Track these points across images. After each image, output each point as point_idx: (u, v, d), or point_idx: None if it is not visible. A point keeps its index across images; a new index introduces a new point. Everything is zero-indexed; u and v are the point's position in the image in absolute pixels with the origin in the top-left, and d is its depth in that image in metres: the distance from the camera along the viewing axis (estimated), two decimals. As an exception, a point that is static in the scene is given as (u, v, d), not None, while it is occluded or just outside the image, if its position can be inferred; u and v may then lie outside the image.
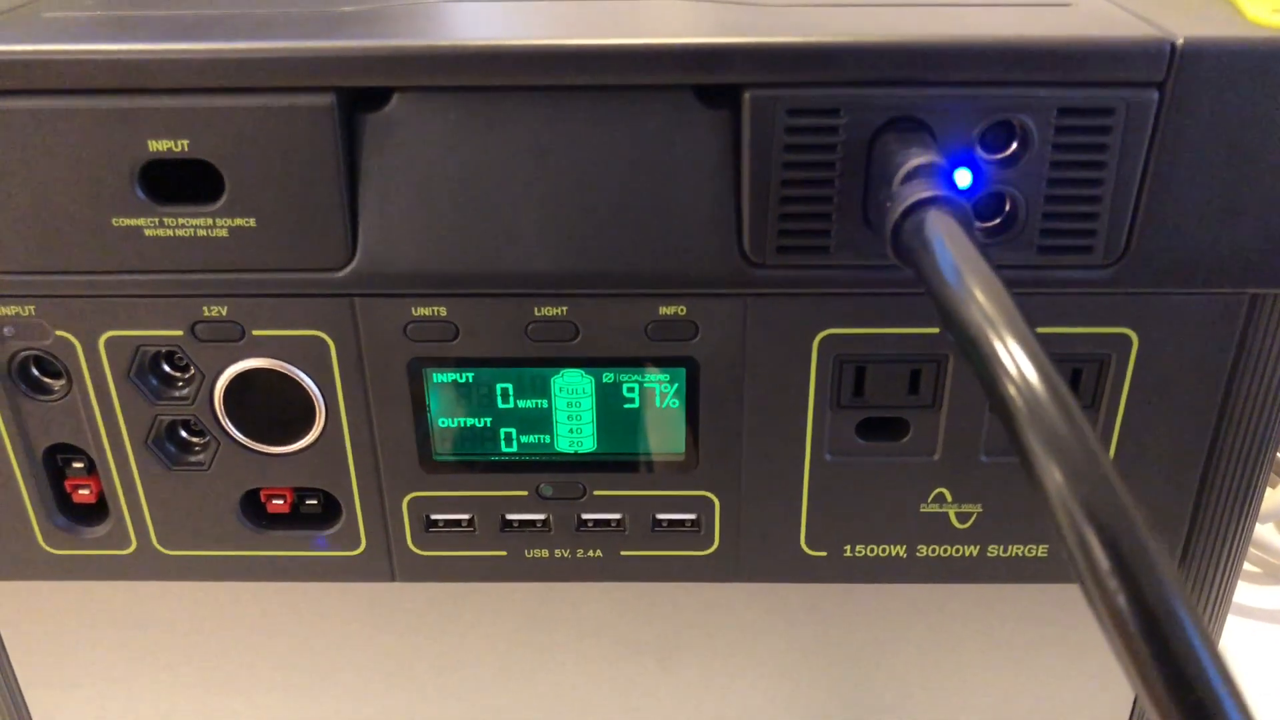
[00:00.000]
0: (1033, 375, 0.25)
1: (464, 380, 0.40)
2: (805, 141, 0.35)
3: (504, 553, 0.44)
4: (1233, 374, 0.39)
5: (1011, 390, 0.25)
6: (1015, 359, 0.25)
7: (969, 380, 0.40)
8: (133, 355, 0.40)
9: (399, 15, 0.39)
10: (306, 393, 0.40)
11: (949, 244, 0.29)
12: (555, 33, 0.35)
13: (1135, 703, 0.49)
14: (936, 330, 0.39)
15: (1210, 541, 0.43)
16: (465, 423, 0.41)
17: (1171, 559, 0.22)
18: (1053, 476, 0.24)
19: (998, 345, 0.26)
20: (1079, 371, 0.39)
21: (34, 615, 0.48)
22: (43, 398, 0.41)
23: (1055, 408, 0.24)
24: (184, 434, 0.42)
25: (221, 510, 0.43)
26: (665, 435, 0.41)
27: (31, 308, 0.39)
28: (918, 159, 0.32)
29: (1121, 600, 0.22)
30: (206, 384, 0.40)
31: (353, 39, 0.35)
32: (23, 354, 0.40)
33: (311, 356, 0.40)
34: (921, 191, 0.31)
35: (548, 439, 0.42)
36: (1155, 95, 0.34)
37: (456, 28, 0.38)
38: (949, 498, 0.42)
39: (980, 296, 0.27)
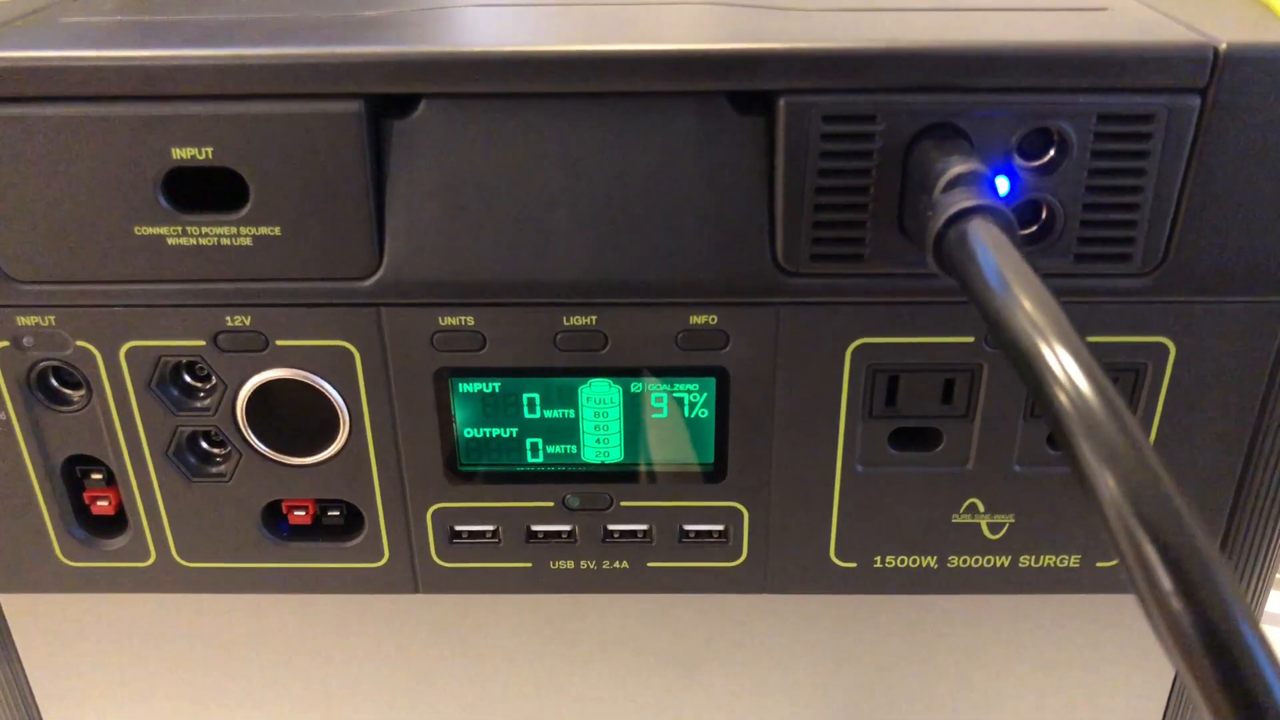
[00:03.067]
0: (1084, 384, 0.24)
1: (490, 390, 0.40)
2: (841, 148, 0.35)
3: (529, 564, 0.43)
4: (1270, 383, 0.39)
5: (1063, 399, 0.25)
6: (1066, 368, 0.25)
7: (1002, 389, 0.39)
8: (154, 365, 0.39)
9: (425, 21, 0.39)
10: (330, 403, 0.40)
11: (995, 253, 0.28)
12: (585, 38, 0.35)
13: (1165, 714, 0.48)
14: (970, 340, 0.38)
15: (1245, 554, 0.42)
16: (491, 433, 0.41)
17: (1235, 575, 0.21)
18: (1108, 488, 0.23)
19: (1048, 354, 0.25)
20: (1114, 381, 0.39)
21: (51, 629, 0.47)
22: (62, 408, 0.40)
23: (1109, 416, 0.24)
24: (205, 445, 0.42)
25: (242, 522, 0.43)
26: (694, 446, 0.41)
27: (52, 318, 0.38)
28: (959, 167, 0.32)
29: (1186, 621, 0.22)
30: (228, 395, 0.40)
31: (380, 45, 0.34)
32: (42, 364, 0.40)
33: (336, 367, 0.39)
34: (965, 200, 0.30)
35: (574, 449, 0.41)
36: (1197, 101, 0.34)
37: (484, 33, 0.37)
38: (981, 508, 0.42)
39: (1029, 305, 0.26)
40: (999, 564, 0.43)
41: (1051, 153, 0.35)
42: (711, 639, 0.47)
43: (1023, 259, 0.28)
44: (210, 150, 0.35)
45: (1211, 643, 0.21)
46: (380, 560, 0.43)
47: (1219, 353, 0.38)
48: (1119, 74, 0.34)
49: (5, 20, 0.38)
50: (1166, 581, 0.22)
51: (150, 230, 0.37)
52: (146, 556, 0.43)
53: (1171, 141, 0.34)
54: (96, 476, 0.42)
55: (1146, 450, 0.23)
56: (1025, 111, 0.34)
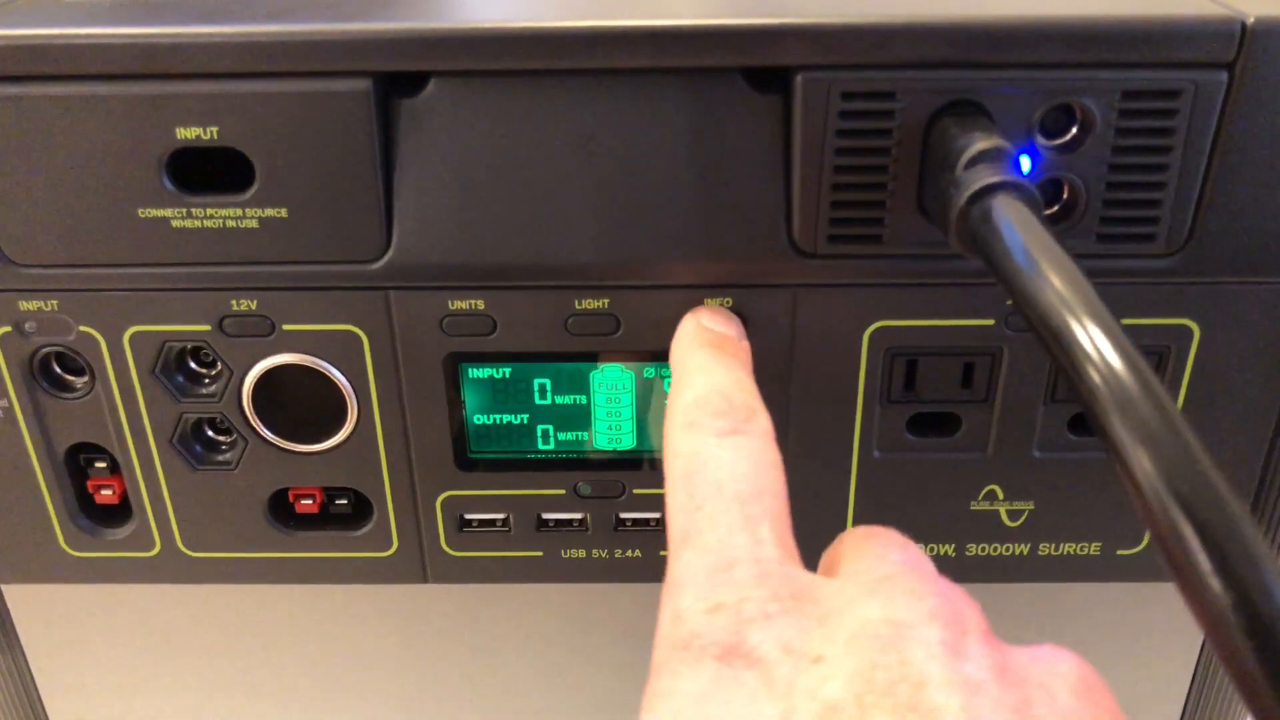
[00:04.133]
0: (1117, 360, 0.24)
1: (501, 375, 0.39)
2: (859, 126, 0.34)
3: (540, 553, 0.43)
4: (1296, 366, 0.38)
5: (1095, 376, 0.24)
6: (1098, 344, 0.24)
7: (1023, 374, 0.38)
8: (158, 351, 0.39)
9: (434, -3, 0.38)
10: (338, 389, 0.39)
11: (1021, 230, 0.28)
12: (597, 13, 0.34)
13: (1186, 703, 0.47)
14: (990, 322, 0.38)
15: (1270, 538, 0.42)
16: (501, 419, 0.40)
17: (1274, 553, 0.21)
18: (1144, 467, 0.22)
19: (1079, 331, 0.25)
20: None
21: (54, 619, 0.47)
22: (65, 395, 0.40)
23: (1143, 393, 0.23)
24: (210, 432, 0.41)
25: (248, 511, 0.42)
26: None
27: (54, 302, 0.38)
28: (982, 143, 0.31)
29: (1226, 602, 0.21)
30: (234, 381, 0.39)
31: (389, 21, 0.34)
32: (45, 350, 0.39)
33: (344, 352, 0.38)
34: (989, 177, 0.29)
35: (586, 436, 0.41)
36: (1224, 77, 0.33)
37: (494, 9, 0.36)
38: (1000, 495, 0.41)
39: (1058, 282, 0.26)
40: (1018, 552, 0.42)
41: (1074, 130, 0.34)
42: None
43: (1050, 235, 0.27)
44: (215, 130, 0.35)
45: (1253, 626, 0.20)
46: (389, 549, 0.43)
47: (1244, 335, 0.37)
48: (1143, 49, 0.33)
49: (6, -2, 0.38)
50: (1205, 562, 0.21)
51: (154, 212, 0.36)
52: (151, 546, 0.43)
53: (1198, 118, 0.34)
54: (100, 465, 0.42)
55: (1183, 427, 0.23)
56: (1047, 88, 0.33)
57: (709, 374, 0.32)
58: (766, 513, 0.27)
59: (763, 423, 0.30)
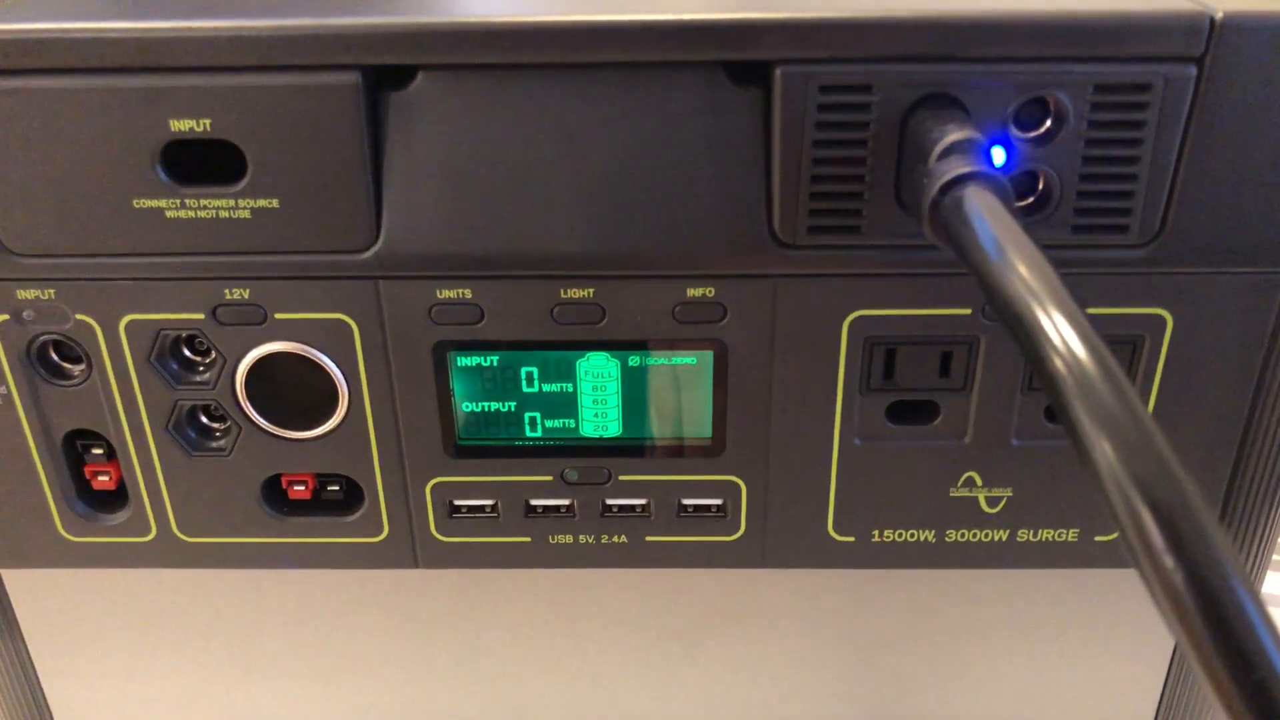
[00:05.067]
0: (1079, 348, 0.24)
1: (489, 364, 0.40)
2: (837, 119, 0.35)
3: (528, 539, 0.43)
4: (1269, 355, 0.39)
5: (1059, 364, 0.24)
6: (1061, 332, 0.25)
7: (1000, 362, 0.39)
8: (153, 339, 0.39)
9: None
10: (329, 377, 0.40)
11: (990, 219, 0.28)
12: (581, 8, 0.35)
13: (1164, 688, 0.48)
14: (968, 312, 0.38)
15: (1242, 527, 0.42)
16: (490, 407, 0.41)
17: (1227, 534, 0.21)
18: (1103, 450, 0.23)
19: (1043, 319, 0.25)
20: (1112, 353, 0.39)
21: (52, 603, 0.47)
22: (62, 383, 0.40)
23: (1104, 380, 0.24)
24: (205, 419, 0.42)
25: (243, 497, 0.43)
26: (692, 419, 0.41)
27: (51, 291, 0.38)
28: (955, 134, 0.32)
29: (1179, 579, 0.22)
30: (228, 368, 0.40)
31: (377, 16, 0.34)
32: (42, 338, 0.40)
33: (334, 340, 0.39)
34: (960, 167, 0.30)
35: (573, 423, 0.41)
36: (1193, 70, 0.34)
37: (481, 4, 0.37)
38: (979, 482, 0.42)
39: (1024, 271, 0.26)
40: (997, 538, 0.43)
41: (1048, 123, 0.35)
42: (710, 613, 0.47)
43: (1018, 225, 0.28)
44: (208, 122, 0.35)
45: (1205, 602, 0.21)
46: (380, 535, 0.43)
47: (1216, 324, 0.38)
48: (1115, 44, 0.34)
49: (3, -7, 0.38)
50: (1159, 540, 0.22)
51: (149, 203, 0.37)
52: (147, 531, 0.44)
53: (1168, 111, 0.34)
54: (97, 451, 0.42)
55: (1142, 414, 0.23)
56: (1021, 82, 0.34)
57: None
58: None
59: None
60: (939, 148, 0.32)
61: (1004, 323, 0.26)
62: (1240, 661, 0.20)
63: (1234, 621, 0.21)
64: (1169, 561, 0.22)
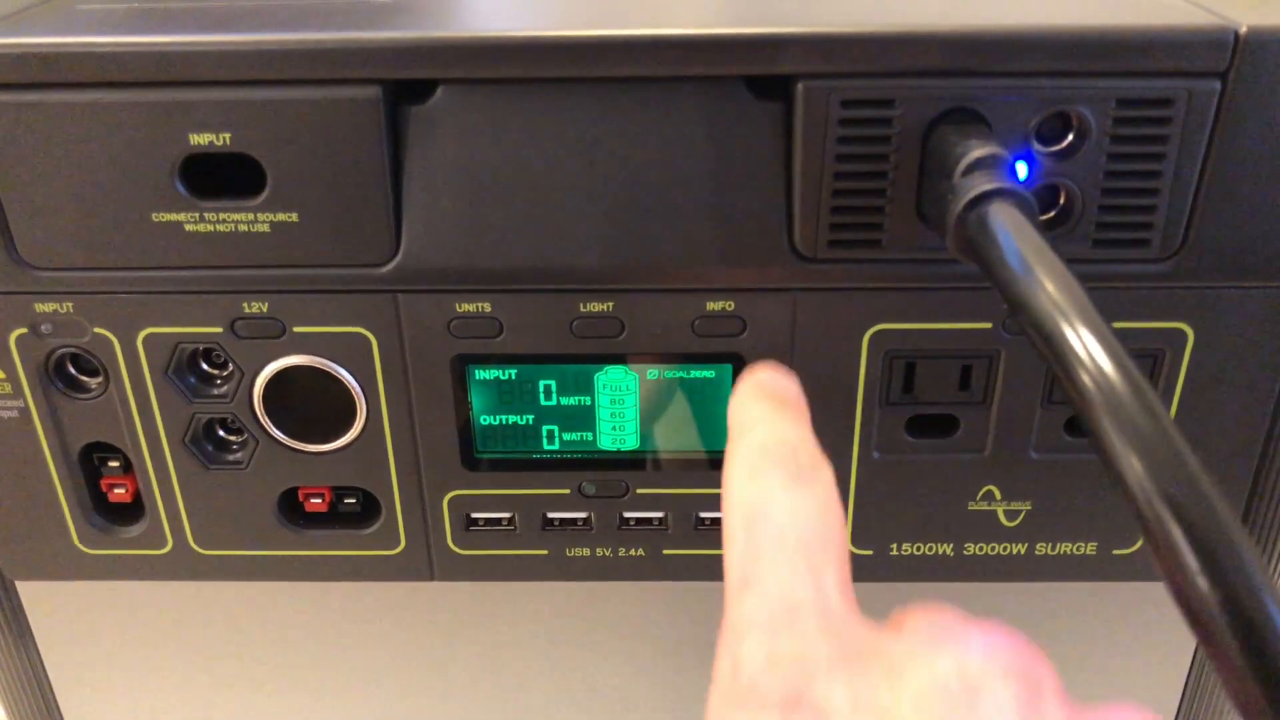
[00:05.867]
0: (1108, 365, 0.24)
1: (507, 377, 0.40)
2: (859, 134, 0.35)
3: (545, 551, 0.43)
4: (1289, 369, 0.39)
5: (1087, 380, 0.24)
6: (1090, 349, 0.25)
7: (1020, 376, 0.39)
8: (171, 352, 0.39)
9: (442, 6, 0.39)
10: (347, 390, 0.40)
11: (1016, 236, 0.28)
12: (602, 22, 0.35)
13: (1181, 703, 0.48)
14: (988, 325, 0.38)
15: (1261, 545, 0.42)
16: (507, 420, 0.41)
17: (1261, 554, 0.21)
18: (1133, 468, 0.23)
19: (1071, 336, 0.25)
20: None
21: (68, 616, 0.47)
22: (79, 396, 0.40)
23: (1133, 397, 0.24)
24: (222, 432, 0.42)
25: (259, 510, 0.43)
26: (710, 433, 0.41)
27: (70, 304, 0.38)
28: (979, 150, 0.32)
29: (1213, 603, 0.21)
30: (246, 382, 0.40)
31: (397, 30, 0.34)
32: (60, 351, 0.40)
33: (353, 353, 0.39)
34: (985, 184, 0.30)
35: (590, 436, 0.41)
36: (1217, 85, 0.34)
37: (501, 18, 0.37)
38: (998, 495, 0.41)
39: (1051, 287, 0.26)
40: (1015, 551, 0.43)
41: (1070, 137, 0.35)
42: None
43: (1045, 242, 0.28)
44: (228, 136, 0.35)
45: (1238, 624, 0.21)
46: (396, 547, 0.43)
47: (1237, 339, 0.38)
48: (1138, 58, 0.34)
49: (22, 6, 0.38)
50: (1193, 562, 0.22)
51: (168, 217, 0.37)
52: (163, 544, 0.43)
53: (1191, 126, 0.34)
54: (114, 464, 0.42)
55: (1171, 431, 0.23)
56: (1044, 96, 0.34)
57: (771, 424, 0.31)
58: (830, 562, 0.26)
59: (827, 474, 0.29)
60: (963, 163, 0.32)
61: (1031, 340, 0.26)
62: (1274, 686, 0.20)
63: (1268, 646, 0.21)
64: (1203, 585, 0.22)
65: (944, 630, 0.24)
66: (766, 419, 0.32)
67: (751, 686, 0.23)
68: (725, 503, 0.29)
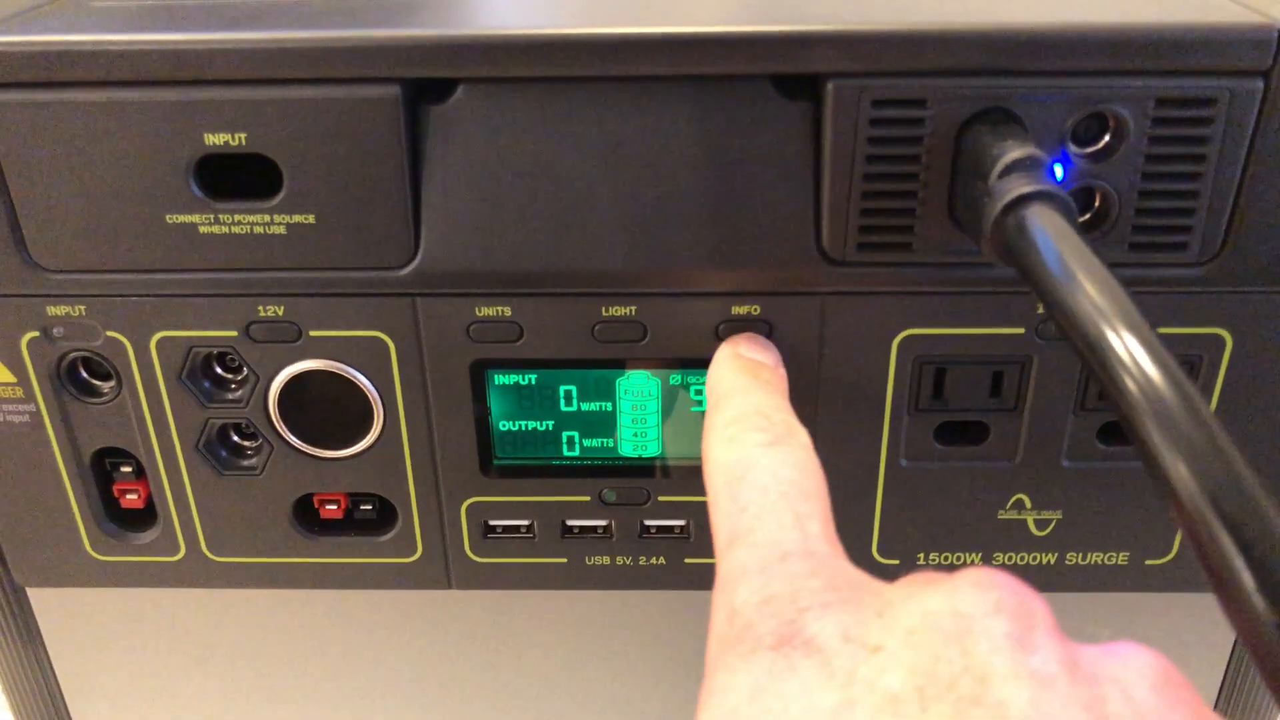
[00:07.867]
0: (1154, 370, 0.24)
1: (527, 382, 0.39)
2: (890, 134, 0.34)
3: (564, 560, 0.43)
4: (1330, 376, 0.38)
5: (1133, 386, 0.24)
6: (1135, 354, 0.24)
7: (1053, 382, 0.38)
8: (185, 356, 0.39)
9: (463, 3, 0.38)
10: (364, 395, 0.39)
11: (1057, 240, 0.28)
12: (626, 20, 0.34)
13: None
14: (1020, 331, 0.37)
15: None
16: (527, 426, 0.40)
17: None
18: (1181, 477, 0.22)
19: (1115, 341, 0.24)
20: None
21: (80, 623, 0.47)
22: (92, 400, 0.40)
23: (1181, 403, 0.23)
24: (236, 438, 0.41)
25: (273, 516, 0.42)
26: (734, 439, 0.40)
27: (82, 308, 0.38)
28: (1016, 152, 0.31)
29: (1272, 625, 0.21)
30: (260, 386, 0.39)
31: (417, 28, 0.34)
32: (72, 355, 0.39)
33: (370, 358, 0.38)
34: (1024, 186, 0.29)
35: (611, 443, 0.41)
36: (1260, 84, 0.33)
37: (522, 16, 0.36)
38: (1028, 504, 0.41)
39: (1094, 293, 0.26)
40: (1045, 561, 0.42)
41: (1106, 138, 0.34)
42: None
43: (1086, 247, 0.27)
44: (244, 136, 0.35)
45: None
46: (413, 555, 0.43)
47: (1277, 345, 0.37)
48: (1178, 57, 0.33)
49: (36, 4, 0.38)
50: (1250, 580, 0.21)
51: (182, 218, 0.36)
52: (176, 551, 0.43)
53: (1232, 127, 0.33)
54: (126, 469, 0.42)
55: (1224, 440, 0.22)
56: (1080, 96, 0.33)
57: (747, 395, 0.32)
58: (815, 512, 0.28)
59: (802, 437, 0.31)
60: (999, 165, 0.31)
61: (1074, 347, 0.25)
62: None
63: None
64: (1260, 604, 0.21)
65: (936, 577, 0.24)
66: (742, 389, 0.33)
67: (747, 626, 0.24)
68: (706, 470, 0.31)
